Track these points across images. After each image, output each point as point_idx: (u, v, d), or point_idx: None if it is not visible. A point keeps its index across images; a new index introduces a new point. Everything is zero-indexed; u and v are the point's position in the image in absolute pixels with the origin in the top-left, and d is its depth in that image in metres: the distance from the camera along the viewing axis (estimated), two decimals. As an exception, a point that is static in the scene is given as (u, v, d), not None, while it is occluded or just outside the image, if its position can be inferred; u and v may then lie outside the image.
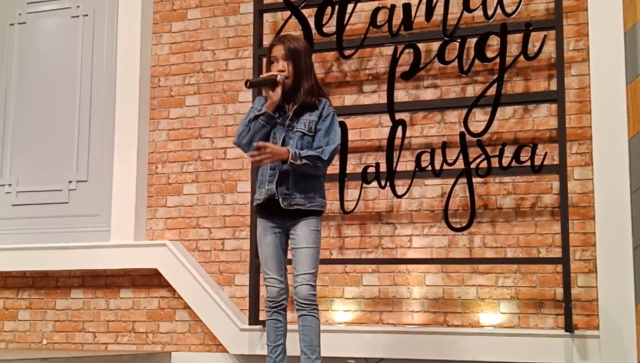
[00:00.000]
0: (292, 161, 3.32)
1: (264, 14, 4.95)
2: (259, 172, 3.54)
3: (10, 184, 5.58)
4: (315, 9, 4.72)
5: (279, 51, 3.46)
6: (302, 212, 3.41)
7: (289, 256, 3.52)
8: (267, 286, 3.49)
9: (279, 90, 3.40)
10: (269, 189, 3.42)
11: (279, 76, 3.40)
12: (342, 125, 4.57)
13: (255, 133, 3.42)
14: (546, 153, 4.38)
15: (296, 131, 3.43)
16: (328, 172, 4.59)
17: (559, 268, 4.33)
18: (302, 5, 4.76)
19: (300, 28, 4.74)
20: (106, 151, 5.35)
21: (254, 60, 4.85)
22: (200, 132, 5.16)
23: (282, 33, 4.70)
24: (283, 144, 3.41)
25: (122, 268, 5.09)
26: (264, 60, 3.69)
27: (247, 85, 3.41)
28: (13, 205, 5.56)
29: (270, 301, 3.48)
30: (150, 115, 5.28)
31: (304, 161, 3.35)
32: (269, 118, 3.42)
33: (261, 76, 3.48)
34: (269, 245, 3.46)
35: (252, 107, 3.56)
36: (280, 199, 3.39)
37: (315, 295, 3.40)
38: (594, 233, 4.30)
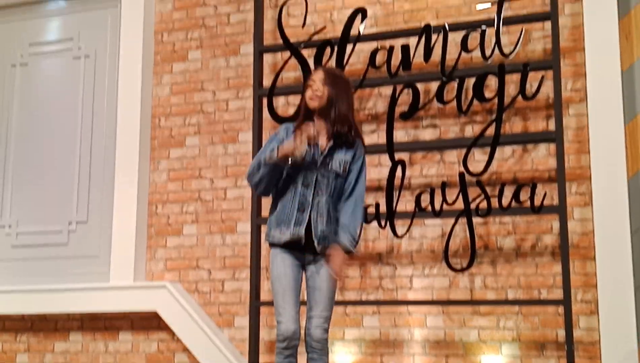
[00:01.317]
0: (352, 249, 3.39)
1: (264, 55, 5.02)
2: (277, 208, 3.42)
3: (10, 226, 5.63)
4: (315, 49, 4.79)
5: (318, 75, 3.47)
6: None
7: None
8: (281, 323, 3.29)
9: (305, 145, 3.33)
10: (296, 232, 3.35)
11: (312, 130, 3.36)
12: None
13: (268, 174, 3.36)
14: (545, 192, 4.41)
15: (331, 170, 3.40)
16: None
17: (561, 309, 4.35)
18: (302, 46, 4.84)
19: (300, 68, 4.81)
20: (106, 192, 5.40)
21: (254, 100, 4.91)
22: (200, 173, 5.22)
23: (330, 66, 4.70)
24: (315, 184, 3.36)
25: (121, 311, 5.11)
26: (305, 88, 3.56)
27: (291, 163, 3.34)
28: (13, 246, 5.61)
29: (285, 339, 3.28)
30: (150, 155, 5.34)
31: (355, 243, 3.42)
32: (284, 162, 3.35)
33: (295, 148, 3.35)
34: (289, 276, 3.33)
35: (275, 134, 3.49)
36: (315, 242, 3.34)
37: (327, 339, 3.35)
38: (595, 273, 4.32)
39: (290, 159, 3.33)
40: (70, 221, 5.49)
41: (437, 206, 4.50)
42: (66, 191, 5.52)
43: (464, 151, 4.52)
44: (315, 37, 4.86)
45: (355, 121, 3.54)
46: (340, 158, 3.41)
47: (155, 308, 5.01)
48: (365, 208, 4.61)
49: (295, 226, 3.35)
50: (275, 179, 3.40)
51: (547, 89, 4.52)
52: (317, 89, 3.41)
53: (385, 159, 4.69)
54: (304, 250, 3.38)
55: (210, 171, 5.19)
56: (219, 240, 5.09)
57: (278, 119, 4.81)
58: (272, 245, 3.43)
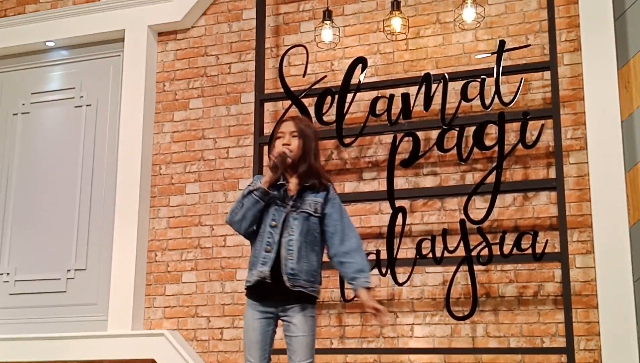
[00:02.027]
0: (369, 286, 3.36)
1: (265, 103, 5.05)
2: (252, 253, 3.43)
3: (8, 273, 5.59)
4: (316, 98, 4.82)
5: (288, 127, 3.45)
6: (301, 296, 3.31)
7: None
8: None
9: (279, 171, 3.36)
10: (261, 272, 3.30)
11: (286, 151, 3.37)
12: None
13: (249, 209, 3.34)
14: (547, 240, 4.40)
15: (301, 211, 3.36)
16: (327, 260, 4.66)
17: (564, 358, 4.29)
18: (303, 94, 4.87)
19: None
20: (105, 240, 5.38)
21: (255, 148, 4.92)
22: (200, 220, 5.20)
23: (296, 115, 4.75)
24: (284, 224, 3.33)
25: (120, 359, 5.03)
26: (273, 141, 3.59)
27: (273, 167, 3.35)
28: (10, 294, 5.55)
29: None
30: (150, 203, 5.33)
31: (370, 281, 3.39)
32: (263, 194, 3.35)
33: (271, 155, 3.43)
34: (256, 330, 3.32)
35: (249, 185, 3.48)
36: (284, 278, 3.27)
37: None
38: (598, 322, 4.28)
39: (286, 151, 3.34)
40: (68, 269, 5.45)
41: (438, 254, 4.48)
42: (65, 239, 5.49)
43: (464, 198, 4.51)
44: (316, 86, 4.89)
45: (322, 167, 3.56)
46: (311, 199, 3.39)
47: (153, 356, 4.94)
48: (366, 255, 4.58)
49: (261, 265, 3.31)
50: (255, 216, 3.36)
51: (547, 137, 4.54)
52: (288, 143, 3.41)
53: (385, 206, 4.68)
54: (275, 299, 3.32)
55: (210, 218, 5.18)
56: (219, 288, 5.05)
57: (279, 166, 4.81)
58: (246, 291, 3.40)
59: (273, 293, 3.31)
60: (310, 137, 3.44)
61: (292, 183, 3.42)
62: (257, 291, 3.35)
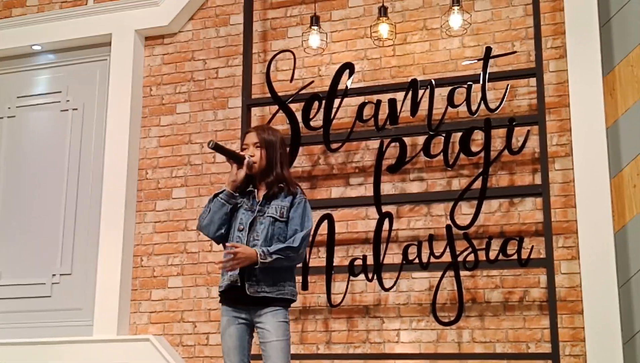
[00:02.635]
0: (262, 261, 3.23)
1: (252, 108, 5.05)
2: (223, 257, 3.36)
3: (-7, 277, 5.55)
4: (303, 103, 4.81)
5: (251, 138, 3.46)
6: (269, 301, 3.29)
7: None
8: None
9: (242, 171, 3.37)
10: (231, 276, 3.30)
11: (247, 157, 3.39)
12: (329, 217, 4.62)
13: (215, 213, 3.36)
14: (532, 246, 4.41)
15: (267, 216, 3.36)
16: (315, 264, 4.66)
17: (549, 363, 4.30)
18: (290, 100, 4.86)
19: (288, 122, 4.83)
20: (91, 244, 5.34)
21: (240, 148, 4.89)
22: (186, 225, 5.17)
23: (260, 124, 4.76)
24: (251, 228, 3.33)
25: (104, 364, 5.01)
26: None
27: (210, 145, 3.36)
28: (-5, 299, 5.51)
29: None
30: (136, 207, 5.31)
31: (275, 256, 3.26)
32: (229, 197, 3.36)
33: (226, 147, 3.47)
34: (232, 336, 3.31)
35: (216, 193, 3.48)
36: (246, 286, 3.26)
37: None
38: (583, 327, 4.28)
39: (247, 156, 3.35)
40: (54, 274, 5.41)
41: (425, 259, 4.48)
42: (51, 243, 5.45)
43: (451, 204, 4.52)
44: (304, 91, 4.88)
45: (291, 175, 3.53)
46: (277, 204, 3.39)
47: (139, 361, 4.90)
48: (353, 260, 4.59)
49: (231, 270, 3.30)
50: (222, 220, 3.36)
51: (533, 143, 4.55)
52: (252, 154, 3.41)
53: (372, 211, 4.68)
54: (247, 304, 3.30)
55: (196, 222, 5.12)
56: (205, 293, 5.03)
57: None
58: (220, 296, 3.39)
59: (244, 297, 3.29)
60: (274, 145, 3.45)
61: (261, 190, 3.43)
62: (229, 296, 3.35)
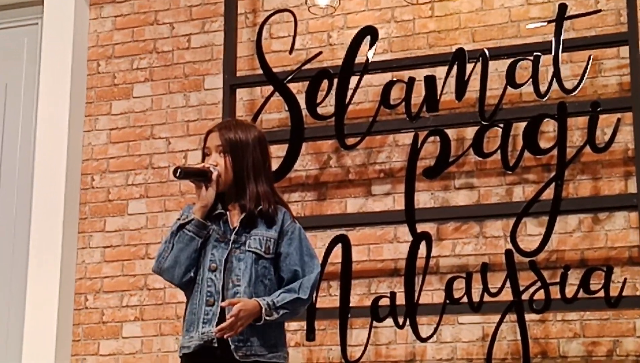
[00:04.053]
0: (267, 317, 3.22)
1: (238, 90, 5.06)
2: (187, 309, 3.38)
3: None
4: (307, 82, 4.82)
5: (213, 140, 3.42)
6: None
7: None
8: None
9: (212, 189, 3.34)
10: (204, 334, 3.26)
11: (212, 169, 3.35)
12: (344, 240, 4.61)
13: (182, 251, 3.31)
14: (625, 279, 4.40)
15: (247, 250, 3.34)
16: (325, 305, 4.65)
17: None
18: (289, 77, 4.86)
19: (287, 108, 4.84)
20: (16, 280, 5.35)
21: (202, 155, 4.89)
22: (147, 251, 5.18)
23: (228, 118, 4.74)
24: (226, 267, 3.31)
25: None
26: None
27: (177, 173, 3.32)
28: None
29: None
30: (79, 227, 5.32)
31: (282, 311, 3.25)
32: (199, 227, 3.32)
33: (188, 165, 3.45)
34: None
35: (178, 219, 3.43)
36: (231, 347, 3.24)
37: None
38: (695, 391, 4.28)
39: (211, 168, 3.33)
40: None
41: (476, 298, 4.48)
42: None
43: (511, 221, 4.52)
44: (308, 66, 4.89)
45: (275, 188, 3.50)
46: (261, 233, 3.37)
47: None
48: (377, 299, 4.58)
49: (204, 325, 3.28)
50: (191, 259, 3.33)
51: (625, 136, 4.55)
52: (214, 162, 3.38)
53: (403, 232, 4.69)
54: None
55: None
56: (173, 345, 5.02)
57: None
58: (182, 360, 3.36)
59: (221, 361, 3.27)
60: (245, 147, 3.40)
61: (233, 213, 3.41)
62: (200, 360, 3.31)
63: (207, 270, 3.34)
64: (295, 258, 3.36)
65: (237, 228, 3.36)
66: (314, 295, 3.43)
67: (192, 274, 3.36)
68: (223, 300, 3.27)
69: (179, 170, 3.32)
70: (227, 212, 3.39)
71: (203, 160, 3.45)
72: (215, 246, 3.35)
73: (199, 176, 3.35)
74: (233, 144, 3.40)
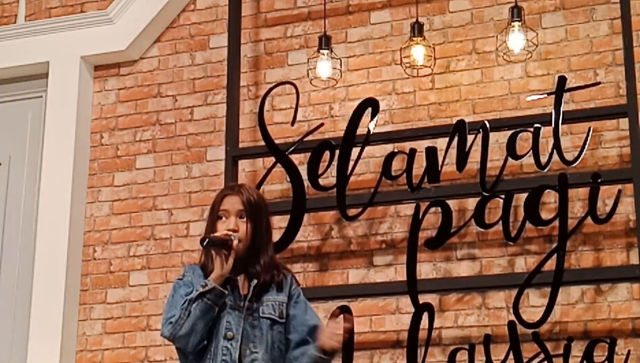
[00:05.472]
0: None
1: (240, 161, 5.06)
2: None
3: None
4: (309, 154, 4.83)
5: (233, 203, 3.37)
6: None
7: None
8: None
9: (231, 258, 3.27)
10: None
11: (233, 237, 3.28)
12: (346, 311, 4.57)
13: (199, 319, 3.23)
14: (629, 350, 4.37)
15: (261, 317, 3.30)
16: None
17: None
18: (291, 149, 4.87)
19: (289, 179, 4.83)
20: (17, 352, 5.31)
21: (211, 218, 4.88)
22: (148, 322, 5.14)
23: (234, 183, 4.74)
24: (244, 335, 3.26)
25: None
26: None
27: (206, 243, 3.24)
28: None
29: None
30: (80, 299, 5.30)
31: None
32: (219, 297, 3.24)
33: (214, 235, 3.39)
34: None
35: (179, 279, 3.39)
36: None
37: None
38: None
39: (232, 236, 3.26)
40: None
41: (479, 370, 4.43)
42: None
43: (514, 292, 4.49)
44: (310, 138, 4.90)
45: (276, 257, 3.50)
46: (273, 299, 3.34)
47: None
48: None
49: None
50: (207, 327, 3.28)
51: (627, 207, 4.54)
52: (235, 227, 3.32)
53: (405, 303, 4.66)
54: None
55: (160, 318, 5.09)
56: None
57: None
58: None
59: None
60: (263, 212, 3.41)
61: (243, 279, 3.37)
62: None
63: (222, 338, 3.27)
64: (301, 318, 3.34)
65: (248, 295, 3.32)
66: None
67: (205, 342, 3.30)
68: None
69: (207, 239, 3.25)
70: (235, 277, 3.34)
71: (214, 224, 3.38)
72: (230, 314, 3.29)
73: (222, 246, 3.29)
74: (254, 209, 3.38)
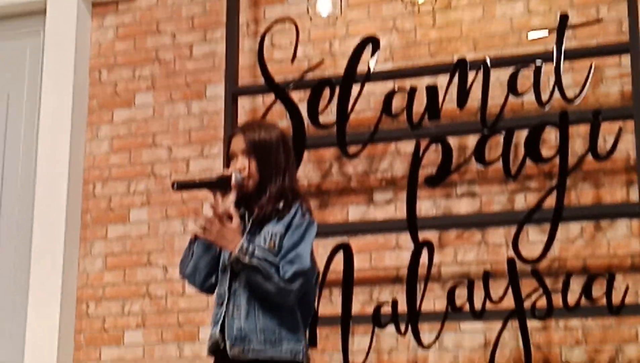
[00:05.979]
0: (237, 255, 3.17)
1: (239, 98, 5.05)
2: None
3: None
4: (309, 91, 4.81)
5: (237, 143, 3.38)
6: None
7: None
8: None
9: (232, 195, 3.29)
10: (213, 333, 3.28)
11: (233, 174, 3.31)
12: (346, 248, 4.59)
13: (200, 258, 3.33)
14: (627, 286, 4.39)
15: None
16: (327, 313, 4.62)
17: None
18: (291, 86, 4.86)
19: (288, 117, 4.82)
20: (19, 286, 5.34)
21: (225, 160, 4.87)
22: (149, 258, 5.16)
23: (250, 120, 4.76)
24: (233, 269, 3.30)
25: None
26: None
27: (175, 187, 3.30)
28: None
29: None
30: (80, 234, 5.31)
31: (256, 261, 3.17)
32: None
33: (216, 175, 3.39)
34: None
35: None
36: (227, 343, 3.22)
37: None
38: (700, 398, 4.26)
39: (233, 174, 3.29)
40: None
41: (478, 305, 4.47)
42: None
43: (513, 229, 4.50)
44: (310, 75, 4.91)
45: (297, 183, 3.48)
46: (269, 230, 3.31)
47: None
48: (379, 307, 4.56)
49: (214, 325, 3.30)
50: (210, 266, 3.36)
51: (627, 145, 4.54)
52: (242, 166, 3.34)
53: (405, 240, 4.67)
54: None
55: (162, 256, 5.13)
56: (174, 351, 5.02)
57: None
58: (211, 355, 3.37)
59: (231, 361, 3.25)
60: (271, 147, 3.38)
61: (255, 214, 3.37)
62: (216, 359, 3.33)
63: (220, 272, 3.36)
64: (286, 246, 3.26)
65: (247, 228, 3.33)
66: (296, 286, 3.21)
67: (213, 280, 3.39)
68: (229, 300, 3.28)
69: (175, 184, 3.33)
70: (247, 213, 3.37)
71: (228, 164, 3.42)
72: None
73: (212, 185, 3.31)
74: (258, 146, 3.37)
